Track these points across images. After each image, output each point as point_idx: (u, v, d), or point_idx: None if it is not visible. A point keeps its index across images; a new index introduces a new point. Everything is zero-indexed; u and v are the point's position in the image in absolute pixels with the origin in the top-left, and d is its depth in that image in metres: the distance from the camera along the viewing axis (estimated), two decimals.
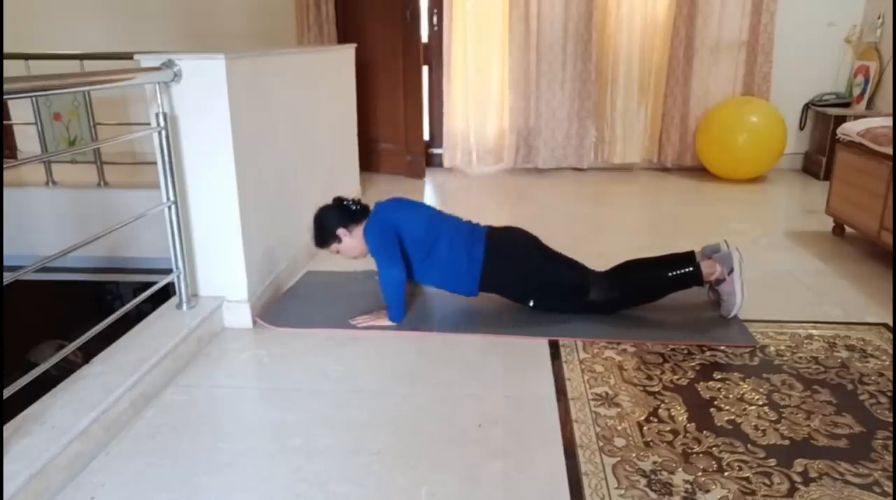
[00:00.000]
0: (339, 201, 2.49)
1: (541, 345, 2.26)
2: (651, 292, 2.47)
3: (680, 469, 1.61)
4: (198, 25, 5.06)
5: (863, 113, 4.53)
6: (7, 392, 1.52)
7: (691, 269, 2.39)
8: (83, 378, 1.85)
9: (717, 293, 2.45)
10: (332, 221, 2.45)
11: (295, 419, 1.85)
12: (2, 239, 1.81)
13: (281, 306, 2.58)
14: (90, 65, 3.50)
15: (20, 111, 4.33)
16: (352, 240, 2.45)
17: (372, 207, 2.50)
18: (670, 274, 2.40)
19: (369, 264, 3.03)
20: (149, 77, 2.10)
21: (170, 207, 2.21)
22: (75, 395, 1.76)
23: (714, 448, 1.69)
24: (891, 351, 2.21)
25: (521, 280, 2.42)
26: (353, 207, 2.46)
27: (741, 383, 2.01)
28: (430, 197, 4.58)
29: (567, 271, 2.43)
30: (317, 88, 3.31)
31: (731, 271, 2.37)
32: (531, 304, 2.45)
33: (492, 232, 2.45)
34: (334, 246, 2.48)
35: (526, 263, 2.41)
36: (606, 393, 1.95)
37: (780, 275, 2.92)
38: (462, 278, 2.41)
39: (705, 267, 2.39)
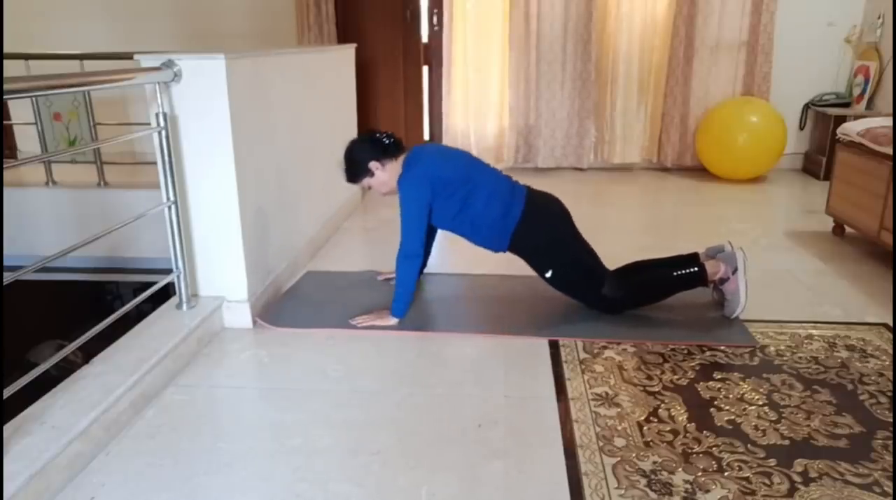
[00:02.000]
0: (371, 134, 2.42)
1: (541, 345, 2.26)
2: (656, 293, 2.47)
3: (680, 469, 1.61)
4: (198, 26, 5.06)
5: (863, 113, 4.53)
6: (7, 392, 1.52)
7: (696, 269, 2.39)
8: (83, 378, 1.85)
9: (721, 293, 2.45)
10: (364, 154, 2.38)
11: (295, 419, 1.85)
12: (2, 239, 1.81)
13: (281, 306, 2.58)
14: (90, 65, 3.50)
15: (20, 111, 4.33)
16: (384, 174, 2.37)
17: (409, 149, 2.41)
18: (675, 274, 2.40)
19: (369, 263, 3.03)
20: (149, 77, 2.10)
21: (170, 207, 2.21)
22: (75, 395, 1.76)
23: (714, 448, 1.69)
24: (891, 351, 2.21)
25: (549, 247, 2.39)
26: (386, 141, 2.38)
27: (741, 383, 2.01)
28: None
29: (589, 256, 2.43)
30: (317, 87, 3.31)
31: (735, 271, 2.37)
32: (548, 274, 2.41)
33: (532, 194, 2.42)
34: (366, 181, 2.41)
35: (558, 232, 2.40)
36: (606, 393, 1.95)
37: (780, 275, 2.92)
38: (494, 233, 2.38)
39: (709, 267, 2.39)
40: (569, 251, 2.41)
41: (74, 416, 1.66)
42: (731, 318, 2.39)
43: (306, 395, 1.97)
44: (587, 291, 2.44)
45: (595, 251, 2.45)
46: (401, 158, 2.39)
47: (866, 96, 4.67)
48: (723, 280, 2.41)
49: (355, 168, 2.41)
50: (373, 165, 2.37)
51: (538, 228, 2.38)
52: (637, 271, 2.47)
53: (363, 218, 3.90)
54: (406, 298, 2.37)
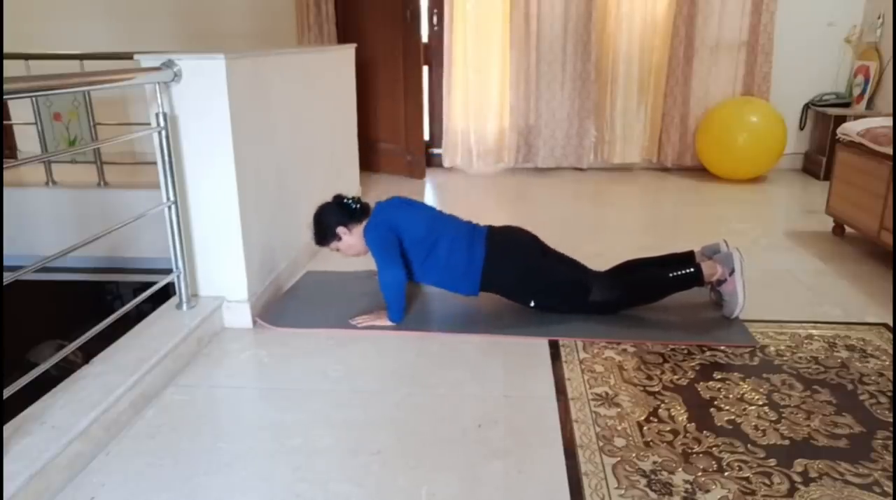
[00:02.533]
0: (338, 199, 2.49)
1: (541, 345, 2.26)
2: (651, 293, 2.47)
3: (680, 469, 1.61)
4: (198, 26, 5.06)
5: (863, 113, 4.53)
6: (7, 392, 1.53)
7: (692, 270, 2.39)
8: (83, 378, 1.85)
9: (719, 294, 2.45)
10: (331, 219, 2.45)
11: (295, 419, 1.85)
12: (2, 239, 1.81)
13: (281, 306, 2.58)
14: (90, 65, 3.50)
15: (20, 111, 4.33)
16: (351, 238, 2.45)
17: (373, 205, 2.50)
18: (671, 275, 2.40)
19: (370, 263, 3.03)
20: (149, 77, 2.10)
21: (170, 207, 2.21)
22: (75, 395, 1.76)
23: (714, 448, 1.69)
24: (891, 351, 2.21)
25: (522, 281, 2.42)
26: (353, 206, 2.46)
27: (741, 383, 2.01)
28: (430, 197, 4.58)
29: (567, 271, 2.43)
30: (317, 87, 3.31)
31: (731, 272, 2.37)
32: (532, 304, 2.44)
33: (492, 233, 2.45)
34: (334, 244, 2.48)
35: (526, 263, 2.41)
36: (606, 393, 1.95)
37: (780, 275, 2.92)
38: (462, 278, 2.41)
39: (706, 268, 2.39)
40: (542, 278, 2.42)
41: (74, 416, 1.66)
42: (730, 318, 2.39)
43: (306, 395, 1.97)
44: (575, 303, 2.43)
45: (574, 261, 2.46)
46: (365, 222, 2.44)
47: (866, 96, 4.67)
48: (720, 281, 2.41)
49: (323, 232, 2.47)
50: (340, 229, 2.43)
51: (504, 266, 2.40)
52: (631, 270, 2.47)
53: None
54: (397, 305, 2.38)
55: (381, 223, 2.41)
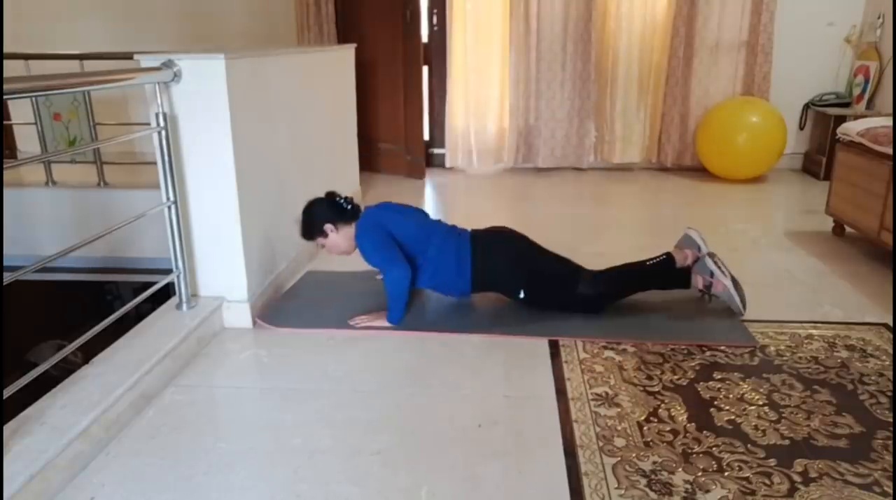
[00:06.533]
0: (330, 197, 2.50)
1: (541, 345, 2.26)
2: (632, 282, 2.49)
3: (680, 469, 1.61)
4: (198, 26, 5.06)
5: (863, 113, 4.53)
6: (7, 392, 1.53)
7: (664, 256, 2.47)
8: (83, 378, 1.85)
9: (716, 297, 2.45)
10: (320, 215, 2.47)
11: (295, 419, 1.85)
12: (2, 239, 1.81)
13: (281, 306, 2.58)
14: (90, 65, 3.50)
15: (20, 111, 4.32)
16: (337, 237, 2.46)
17: (363, 209, 2.52)
18: (648, 263, 2.46)
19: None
20: (149, 77, 2.10)
21: (170, 207, 2.21)
22: (75, 395, 1.76)
23: (714, 448, 1.69)
24: (891, 351, 2.21)
25: (509, 271, 2.43)
26: (345, 206, 2.47)
27: (741, 383, 2.01)
28: (430, 197, 4.58)
29: (555, 262, 2.46)
30: (317, 87, 3.31)
31: (699, 249, 2.46)
32: (522, 295, 2.44)
33: (476, 232, 2.49)
34: (320, 240, 2.50)
35: (513, 252, 2.44)
36: (606, 393, 1.95)
37: (780, 275, 2.92)
38: (454, 277, 2.42)
39: (676, 254, 2.47)
40: (532, 265, 2.44)
41: (74, 416, 1.66)
42: (740, 315, 2.41)
43: (306, 395, 1.97)
44: (563, 295, 2.45)
45: (565, 257, 2.48)
46: (354, 224, 2.46)
47: (866, 96, 4.67)
48: (707, 285, 2.44)
49: (310, 227, 2.49)
50: (327, 226, 2.45)
51: (492, 258, 2.42)
52: (612, 268, 2.50)
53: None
54: (400, 306, 2.38)
55: (373, 226, 2.42)
